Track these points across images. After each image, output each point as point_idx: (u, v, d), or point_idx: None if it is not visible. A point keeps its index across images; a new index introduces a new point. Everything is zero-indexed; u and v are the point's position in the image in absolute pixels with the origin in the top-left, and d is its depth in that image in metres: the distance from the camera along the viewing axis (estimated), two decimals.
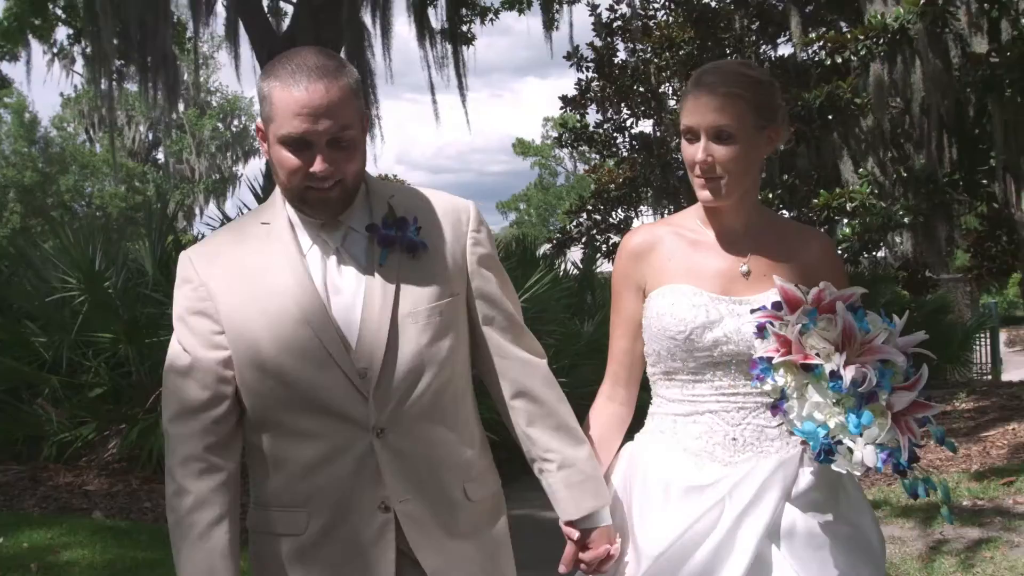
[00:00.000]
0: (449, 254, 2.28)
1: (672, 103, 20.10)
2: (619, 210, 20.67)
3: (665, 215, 21.52)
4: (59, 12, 13.80)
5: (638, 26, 19.53)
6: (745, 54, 17.73)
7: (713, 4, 17.93)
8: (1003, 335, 23.37)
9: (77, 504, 7.26)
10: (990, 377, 18.91)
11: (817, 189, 14.00)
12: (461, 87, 14.47)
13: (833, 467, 2.25)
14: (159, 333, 8.07)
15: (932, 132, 13.17)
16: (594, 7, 18.55)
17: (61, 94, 50.75)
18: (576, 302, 11.22)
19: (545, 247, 17.61)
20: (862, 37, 12.19)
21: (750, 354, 2.36)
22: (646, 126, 20.72)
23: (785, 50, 18.49)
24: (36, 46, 15.40)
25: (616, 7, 19.17)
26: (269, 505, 2.23)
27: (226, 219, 9.98)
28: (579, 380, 6.49)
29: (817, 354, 2.26)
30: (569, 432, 2.35)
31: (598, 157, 21.80)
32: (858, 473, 2.26)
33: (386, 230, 2.22)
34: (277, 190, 2.28)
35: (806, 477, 2.39)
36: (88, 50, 13.71)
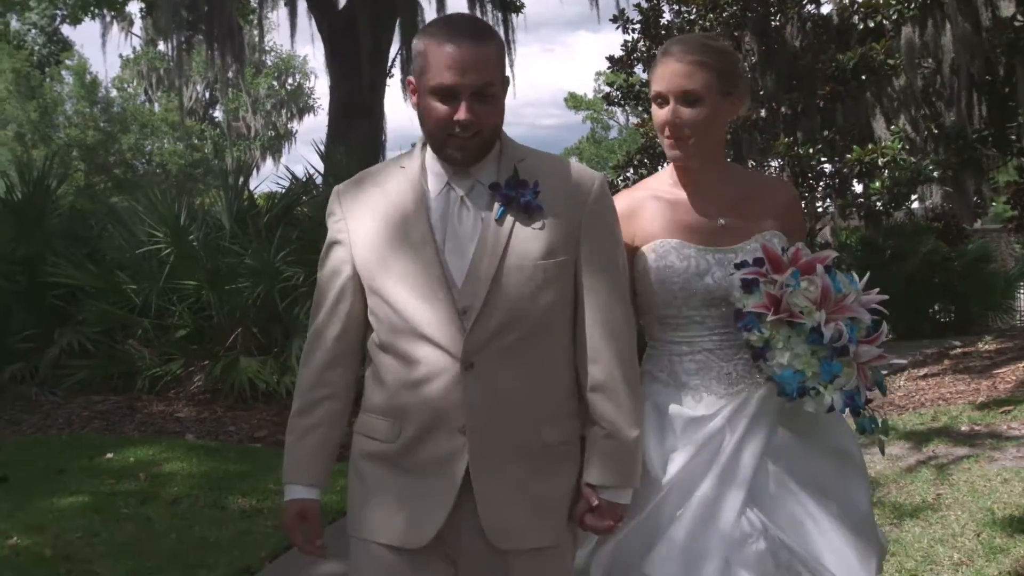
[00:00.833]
0: (565, 219, 2.42)
1: None
2: (665, 164, 21.32)
3: None
4: None
5: None
6: (788, 15, 18.22)
7: None
8: None
9: (170, 429, 8.26)
10: None
11: (845, 146, 14.55)
12: (510, 51, 15.10)
13: (804, 407, 2.53)
14: (237, 281, 9.03)
15: (962, 91, 13.62)
16: None
17: (120, 55, 51.84)
18: None
19: None
20: (894, 1, 12.66)
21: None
22: None
23: (827, 8, 18.77)
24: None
25: None
26: (372, 412, 2.47)
27: (294, 176, 10.87)
28: None
29: (801, 312, 2.52)
30: (632, 411, 2.46)
31: (647, 115, 22.33)
32: (831, 410, 2.54)
33: (507, 190, 2.40)
34: (419, 140, 2.51)
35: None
36: (159, 22, 14.53)
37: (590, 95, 60.85)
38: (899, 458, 6.75)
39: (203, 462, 7.08)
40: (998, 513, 5.20)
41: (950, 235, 16.47)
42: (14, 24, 50.09)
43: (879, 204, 14.28)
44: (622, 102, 21.33)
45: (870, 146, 13.95)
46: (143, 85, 51.33)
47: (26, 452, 7.47)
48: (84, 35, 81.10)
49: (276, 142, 52.40)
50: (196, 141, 50.48)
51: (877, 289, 2.63)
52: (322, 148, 12.41)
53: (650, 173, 21.10)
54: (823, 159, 17.11)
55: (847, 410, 2.55)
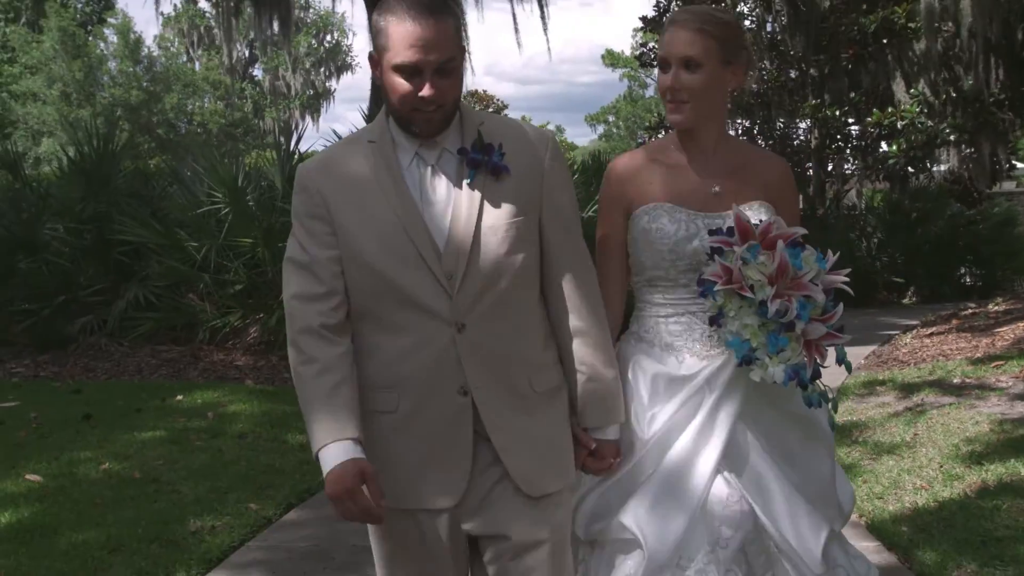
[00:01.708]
0: (527, 178, 2.50)
1: (747, 23, 21.02)
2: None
3: (739, 130, 22.62)
4: None
5: None
6: None
7: None
8: None
9: (231, 375, 9.11)
10: None
11: (870, 109, 15.04)
12: (543, 18, 15.71)
13: (750, 375, 2.62)
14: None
15: (979, 55, 14.07)
16: None
17: (161, 13, 52.43)
18: None
19: None
20: None
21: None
22: None
23: None
24: None
25: None
26: (368, 386, 2.48)
27: (339, 138, 11.58)
28: None
29: (751, 286, 2.60)
30: (605, 352, 2.60)
31: None
32: (774, 383, 2.61)
33: (475, 153, 2.46)
34: (382, 112, 2.54)
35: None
36: None
37: (628, 52, 60.49)
38: (888, 405, 7.44)
39: (263, 404, 7.89)
40: (962, 448, 5.88)
41: (968, 198, 16.86)
42: None
43: (896, 167, 14.76)
44: (655, 63, 21.73)
45: (890, 109, 14.45)
46: (184, 44, 51.96)
47: (104, 394, 8.33)
48: None
49: (315, 101, 52.93)
50: (236, 100, 51.13)
51: (848, 269, 2.71)
52: (364, 110, 13.14)
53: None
54: (850, 121, 17.61)
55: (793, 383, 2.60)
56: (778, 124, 22.22)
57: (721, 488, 2.62)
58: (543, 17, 15.84)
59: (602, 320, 2.61)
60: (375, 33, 2.42)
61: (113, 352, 9.90)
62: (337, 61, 54.14)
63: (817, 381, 2.65)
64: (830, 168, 21.06)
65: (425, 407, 2.45)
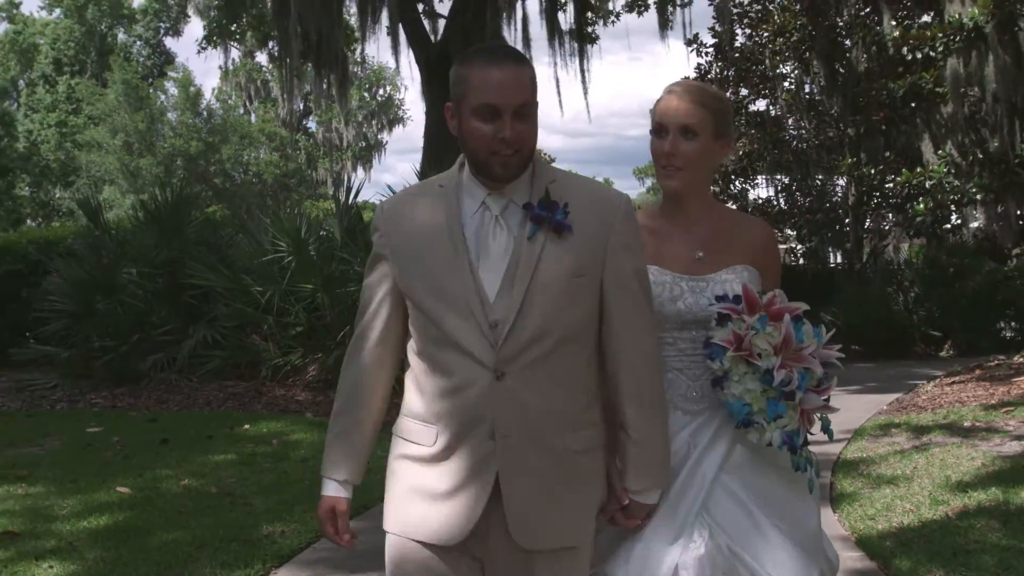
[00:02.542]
0: (593, 239, 2.52)
1: (786, 84, 21.79)
2: (737, 181, 22.64)
3: (778, 187, 23.32)
4: (248, 19, 16.59)
5: (758, 11, 21.22)
6: (854, 39, 19.39)
7: None
8: None
9: (292, 409, 9.94)
10: None
11: (901, 168, 15.66)
12: (584, 82, 16.60)
13: (747, 436, 2.74)
14: (347, 285, 10.62)
15: (1004, 119, 14.66)
16: None
17: (220, 67, 54.10)
18: None
19: None
20: (941, 35, 13.70)
21: (708, 322, 2.79)
22: (761, 105, 22.52)
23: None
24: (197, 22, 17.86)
25: None
26: (411, 416, 2.60)
27: (391, 189, 12.46)
28: None
29: (759, 354, 2.71)
30: (654, 413, 2.61)
31: None
32: (769, 446, 2.73)
33: (539, 210, 2.50)
34: (457, 162, 2.62)
35: None
36: (275, 51, 16.33)
37: None
38: (898, 444, 8.05)
39: (322, 434, 8.45)
40: (952, 479, 6.49)
41: (999, 254, 17.38)
42: (121, 37, 52.95)
43: (924, 224, 15.34)
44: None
45: (918, 169, 15.07)
46: (241, 97, 53.52)
47: (178, 423, 9.17)
48: (183, 47, 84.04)
49: (367, 152, 54.20)
50: (290, 151, 52.49)
51: (839, 346, 2.84)
52: (416, 165, 14.04)
53: (724, 190, 22.18)
54: (887, 178, 18.25)
55: (784, 448, 2.72)
56: (816, 181, 22.92)
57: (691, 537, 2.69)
58: (584, 82, 16.67)
59: (660, 388, 2.65)
60: (455, 81, 2.51)
61: (183, 386, 10.77)
62: (389, 114, 55.18)
63: (805, 448, 2.79)
64: (867, 224, 21.70)
65: (457, 446, 2.51)
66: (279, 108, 52.62)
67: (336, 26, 15.14)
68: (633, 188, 61.13)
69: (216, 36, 16.58)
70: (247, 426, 8.93)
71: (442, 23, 16.00)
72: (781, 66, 21.51)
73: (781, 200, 23.08)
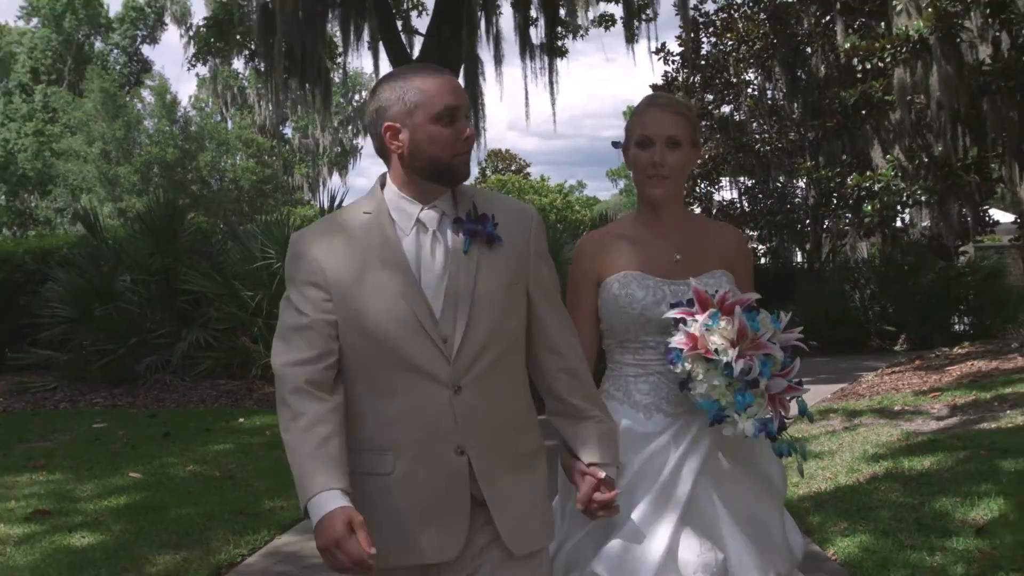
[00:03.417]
0: (517, 249, 2.60)
1: (749, 90, 22.72)
2: (702, 184, 23.58)
3: (741, 189, 24.25)
4: (237, 37, 17.39)
5: (723, 19, 22.13)
6: (814, 47, 20.31)
7: None
8: None
9: None
10: None
11: (851, 173, 16.57)
12: (552, 93, 17.43)
13: (723, 431, 2.78)
14: None
15: (948, 124, 15.56)
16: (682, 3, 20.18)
17: (197, 75, 54.44)
18: None
19: None
20: (889, 46, 14.54)
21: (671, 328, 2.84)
22: (726, 110, 23.43)
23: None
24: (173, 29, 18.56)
25: (700, 6, 21.86)
26: (362, 449, 2.52)
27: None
28: None
29: (716, 350, 2.74)
30: (600, 401, 2.75)
31: None
32: (746, 436, 2.76)
33: (470, 223, 2.55)
34: (376, 185, 2.63)
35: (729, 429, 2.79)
36: (260, 66, 17.11)
37: None
38: (832, 427, 8.92)
39: None
40: (869, 452, 7.37)
41: (944, 252, 18.29)
42: (98, 45, 53.34)
43: (872, 224, 16.25)
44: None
45: (868, 173, 15.96)
46: (218, 104, 53.92)
47: (177, 418, 9.96)
48: (160, 55, 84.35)
49: (342, 158, 54.85)
50: (267, 158, 52.93)
51: (800, 328, 2.89)
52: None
53: (688, 192, 23.05)
54: (844, 181, 19.17)
55: (762, 435, 2.76)
56: (777, 183, 23.86)
57: (691, 539, 2.76)
58: (552, 93, 17.52)
59: (587, 371, 2.76)
60: (394, 101, 2.52)
61: (178, 386, 11.55)
62: (365, 119, 55.32)
63: (784, 432, 2.84)
64: (826, 224, 22.66)
65: (421, 468, 2.50)
66: (255, 115, 53.20)
67: (320, 42, 15.92)
68: (607, 189, 61.82)
69: (204, 54, 17.34)
70: (241, 420, 9.73)
71: (419, 40, 16.84)
72: (745, 73, 22.45)
73: (744, 202, 24.04)
